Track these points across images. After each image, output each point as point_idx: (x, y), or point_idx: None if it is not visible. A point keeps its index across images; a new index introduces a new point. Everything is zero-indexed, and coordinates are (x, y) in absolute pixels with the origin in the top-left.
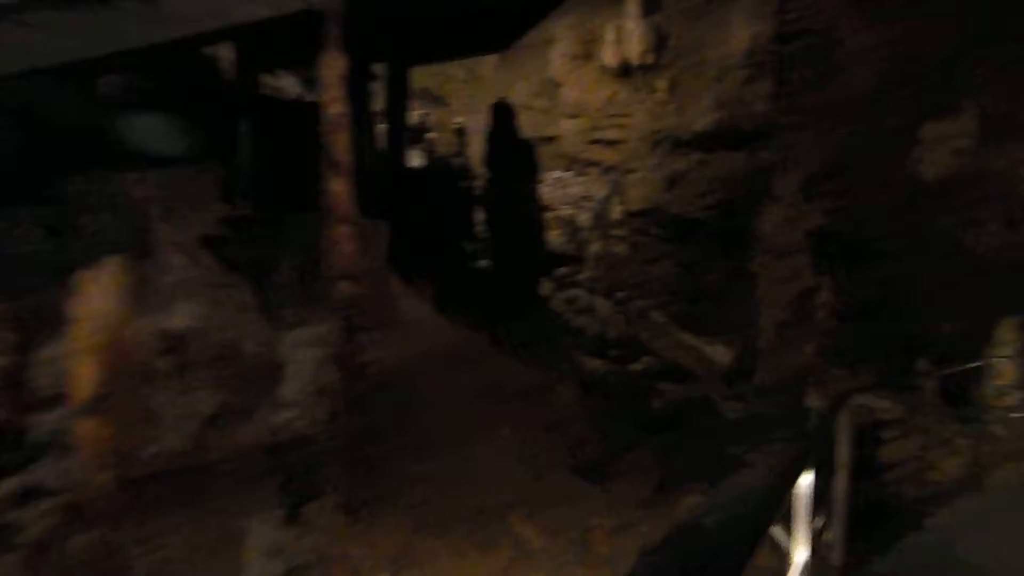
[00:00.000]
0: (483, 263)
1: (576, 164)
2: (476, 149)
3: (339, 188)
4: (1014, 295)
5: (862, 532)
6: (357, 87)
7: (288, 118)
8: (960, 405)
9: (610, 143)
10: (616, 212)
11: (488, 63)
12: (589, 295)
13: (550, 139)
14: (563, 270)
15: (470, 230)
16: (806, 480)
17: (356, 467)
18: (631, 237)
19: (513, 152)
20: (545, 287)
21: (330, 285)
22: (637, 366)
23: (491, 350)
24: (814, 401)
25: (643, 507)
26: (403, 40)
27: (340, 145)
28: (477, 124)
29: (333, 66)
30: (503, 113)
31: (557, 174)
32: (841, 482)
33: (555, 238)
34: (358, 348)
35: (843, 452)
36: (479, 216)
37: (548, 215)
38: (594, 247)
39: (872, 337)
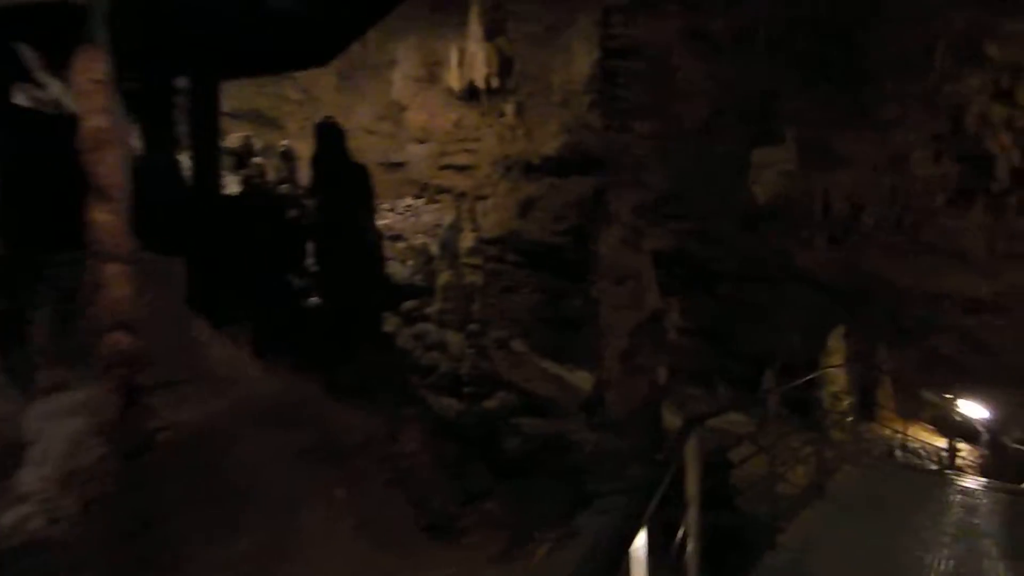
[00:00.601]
0: (314, 300)
1: (428, 190)
2: (306, 174)
3: (105, 218)
4: (840, 307)
5: (716, 562)
6: (151, 102)
7: (49, 134)
8: (803, 415)
9: (461, 168)
10: (469, 240)
11: (327, 84)
12: (440, 329)
13: (398, 165)
14: (411, 303)
15: (298, 263)
16: (641, 541)
17: (119, 573)
18: (487, 265)
19: (346, 177)
20: (390, 323)
21: (97, 338)
22: (492, 403)
23: (322, 399)
24: (673, 422)
25: (496, 562)
26: (203, 50)
27: (105, 166)
28: (308, 148)
29: (90, 69)
30: (332, 135)
31: (408, 201)
32: (691, 516)
33: (401, 269)
34: (140, 413)
35: (692, 484)
36: (309, 248)
37: (400, 244)
38: (444, 277)
39: (723, 356)
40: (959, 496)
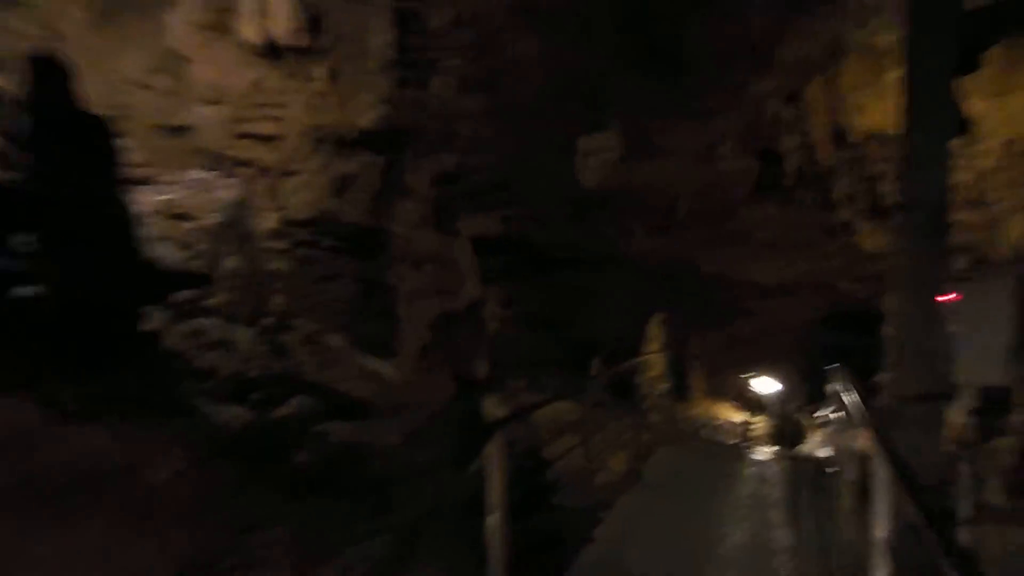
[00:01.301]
0: (29, 289)
1: (223, 163)
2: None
3: None
4: (660, 295)
5: (529, 567)
6: None
7: None
8: (626, 399)
9: (264, 139)
10: (272, 221)
11: (78, 20)
12: (226, 324)
13: (182, 129)
14: (185, 294)
15: (4, 243)
16: None
17: None
18: (297, 251)
19: (81, 133)
20: (155, 318)
21: None
22: (287, 409)
23: (41, 421)
24: (495, 411)
25: None
26: None
27: None
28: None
29: None
30: (50, 73)
31: (197, 174)
32: (494, 526)
33: (171, 253)
34: None
35: (495, 492)
36: (22, 222)
37: (187, 225)
38: (231, 263)
39: (555, 343)
40: (753, 468)
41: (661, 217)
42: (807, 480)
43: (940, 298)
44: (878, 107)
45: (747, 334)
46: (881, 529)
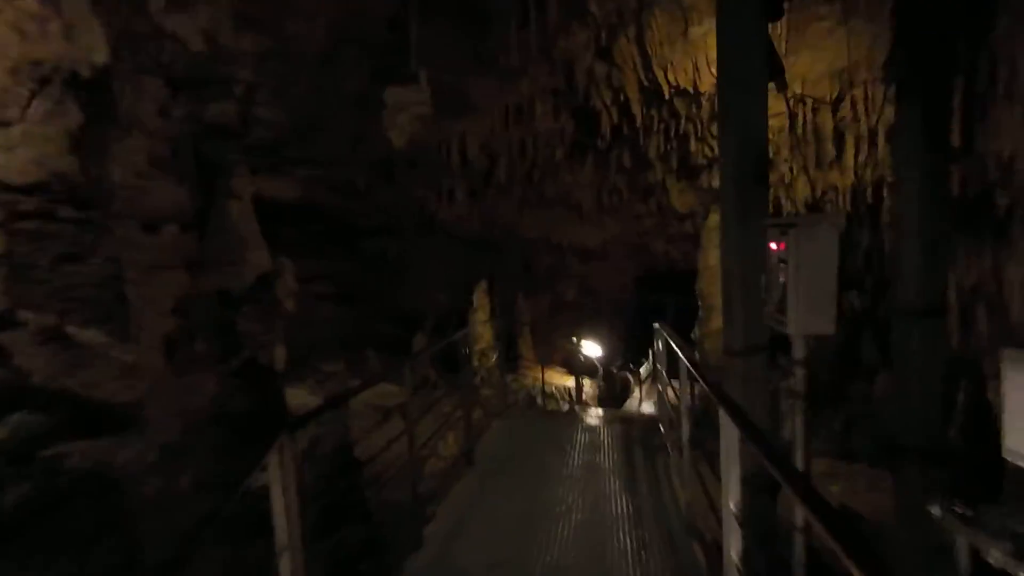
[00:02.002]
0: None
1: None
2: None
3: None
4: (482, 262)
5: None
6: None
7: None
8: (455, 375)
9: None
10: None
11: None
12: None
13: None
14: None
15: None
16: None
17: None
18: (17, 225)
19: None
20: None
21: None
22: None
23: None
24: (307, 402)
25: None
26: None
27: None
28: None
29: None
30: None
31: None
32: (284, 550)
33: None
34: None
35: (282, 508)
36: None
37: None
38: None
39: (372, 320)
40: (586, 435)
41: (481, 179)
42: (638, 440)
43: (772, 247)
44: (685, 63)
45: (571, 298)
46: (732, 486)
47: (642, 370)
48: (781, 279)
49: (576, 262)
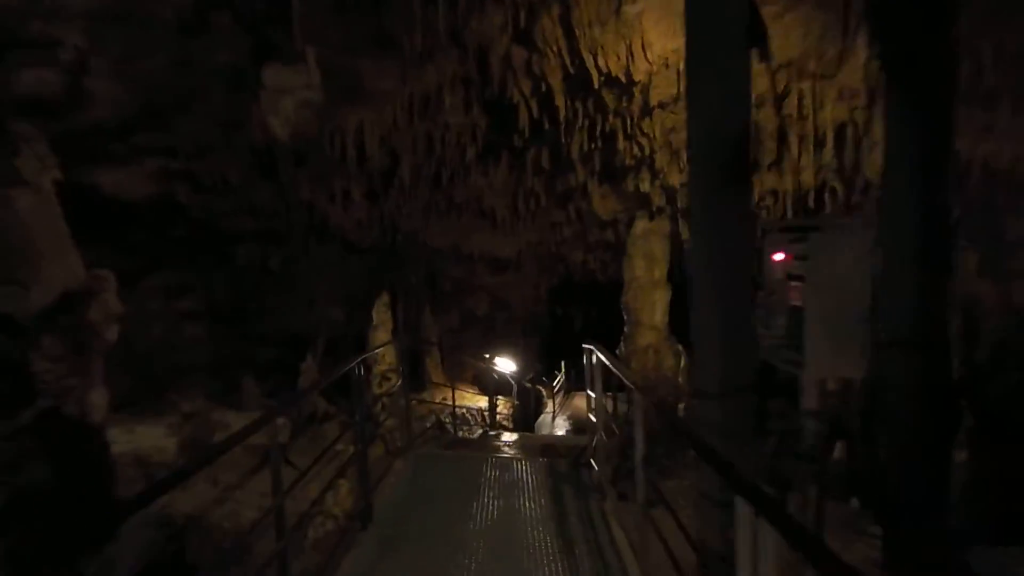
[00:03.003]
0: None
1: None
2: None
3: None
4: (383, 273)
5: None
6: None
7: None
8: (351, 399)
9: None
10: None
11: None
12: None
13: None
14: None
15: None
16: None
17: None
18: None
19: None
20: None
21: None
22: None
23: None
24: (164, 451)
25: None
26: None
27: None
28: None
29: None
30: None
31: None
32: None
33: None
34: None
35: None
36: None
37: None
38: None
39: (248, 340)
40: (503, 471)
41: (381, 180)
42: (565, 478)
43: (776, 257)
44: (617, 47)
45: (482, 312)
46: None
47: (555, 384)
48: (793, 301)
49: (487, 273)
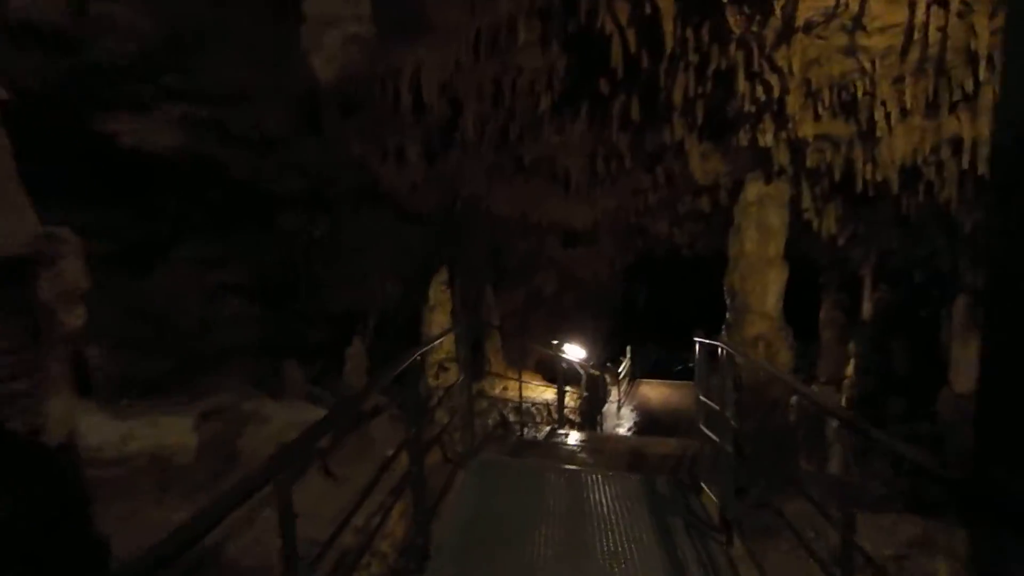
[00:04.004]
0: None
1: None
2: None
3: None
4: (441, 245)
5: None
6: None
7: None
8: (404, 394)
9: None
10: None
11: None
12: None
13: None
14: None
15: None
16: None
17: None
18: None
19: None
20: None
21: None
22: None
23: None
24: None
25: None
26: None
27: None
28: None
29: None
30: None
31: None
32: None
33: None
34: None
35: None
36: None
37: None
38: None
39: (293, 321)
40: (588, 493)
41: (438, 135)
42: (668, 504)
43: None
44: None
45: (549, 291)
46: None
47: (621, 370)
48: None
49: (557, 247)
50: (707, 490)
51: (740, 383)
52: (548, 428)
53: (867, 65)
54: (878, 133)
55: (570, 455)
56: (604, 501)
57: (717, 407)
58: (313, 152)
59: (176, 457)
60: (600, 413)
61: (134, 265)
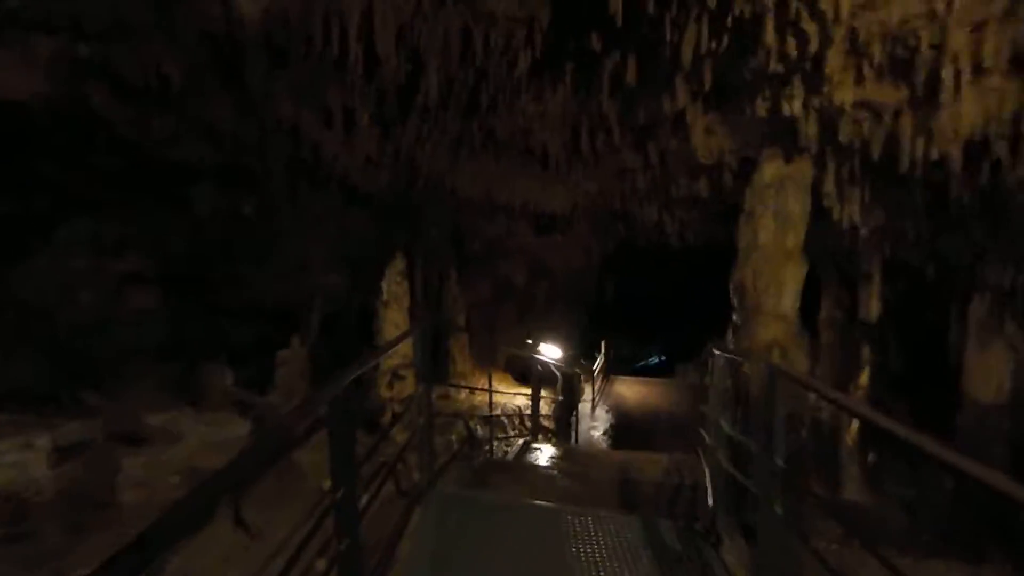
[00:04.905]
0: None
1: None
2: None
3: None
4: (395, 231)
5: None
6: None
7: None
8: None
9: None
10: None
11: None
12: None
13: None
14: None
15: None
16: None
17: None
18: None
19: None
20: None
21: None
22: None
23: None
24: None
25: None
26: None
27: None
28: None
29: None
30: None
31: None
32: None
33: None
34: None
35: None
36: None
37: None
38: None
39: (213, 314)
40: (567, 542)
41: (394, 98)
42: (670, 554)
43: None
44: None
45: (520, 282)
46: None
47: (595, 366)
48: None
49: (530, 233)
50: (728, 541)
51: (747, 396)
52: (521, 441)
53: (939, 5)
54: (942, 97)
55: (547, 482)
56: (592, 553)
57: (750, 442)
58: (228, 111)
59: (35, 496)
60: (575, 415)
61: (3, 248)
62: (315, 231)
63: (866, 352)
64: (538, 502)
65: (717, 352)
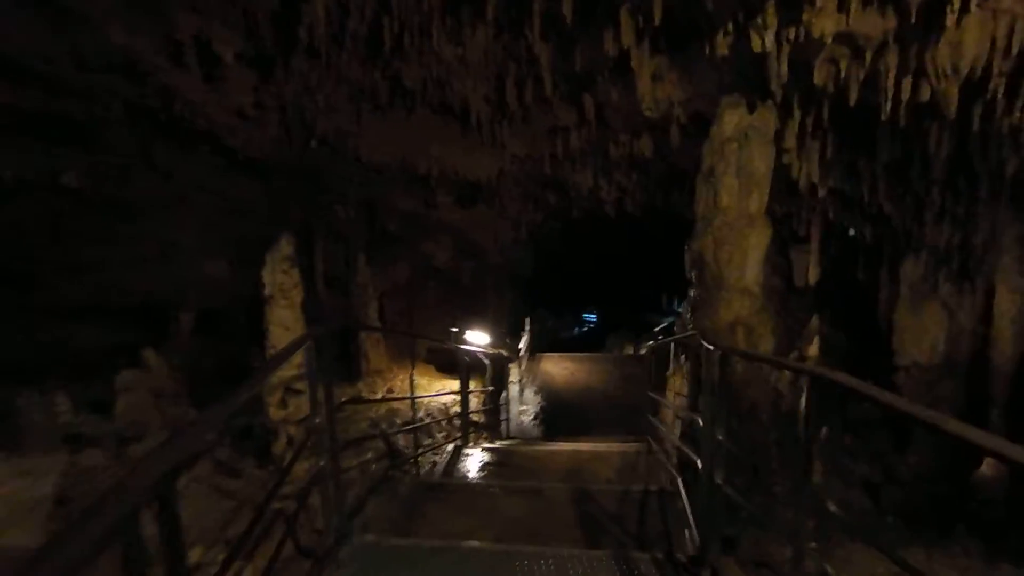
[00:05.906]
0: None
1: None
2: None
3: None
4: (285, 205)
5: None
6: None
7: None
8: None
9: None
10: None
11: None
12: None
13: None
14: None
15: None
16: None
17: None
18: None
19: None
20: None
21: None
22: None
23: None
24: None
25: None
26: None
27: None
28: None
29: None
30: None
31: None
32: None
33: None
34: None
35: None
36: None
37: None
38: None
39: (48, 315)
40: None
41: (266, 27)
42: None
43: None
44: None
45: (444, 261)
46: None
47: (521, 345)
48: None
49: (451, 205)
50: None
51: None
52: (451, 447)
53: None
54: (946, 20)
55: (490, 503)
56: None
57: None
58: (62, 48)
59: None
60: (505, 400)
61: None
62: (183, 205)
63: (814, 322)
64: (485, 546)
65: (706, 344)
